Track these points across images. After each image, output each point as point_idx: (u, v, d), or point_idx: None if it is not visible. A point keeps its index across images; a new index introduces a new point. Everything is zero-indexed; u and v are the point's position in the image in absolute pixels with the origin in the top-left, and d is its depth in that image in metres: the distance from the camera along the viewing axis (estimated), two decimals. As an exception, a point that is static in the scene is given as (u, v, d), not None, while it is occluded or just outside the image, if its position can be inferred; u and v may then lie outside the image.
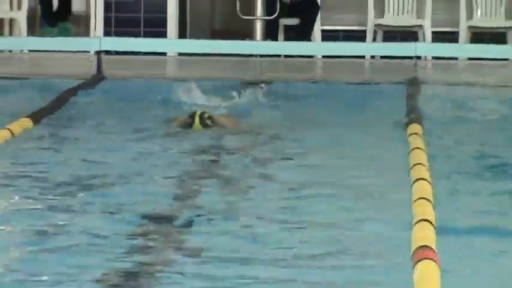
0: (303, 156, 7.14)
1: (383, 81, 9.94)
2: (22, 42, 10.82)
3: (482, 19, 11.24)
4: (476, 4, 11.19)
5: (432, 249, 4.13)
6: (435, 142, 7.37)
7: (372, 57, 10.64)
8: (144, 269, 4.19)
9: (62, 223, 5.11)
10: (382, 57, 10.47)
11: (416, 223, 4.58)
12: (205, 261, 4.30)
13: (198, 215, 5.48)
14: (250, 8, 10.78)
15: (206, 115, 7.87)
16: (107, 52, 10.20)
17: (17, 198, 5.79)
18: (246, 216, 5.39)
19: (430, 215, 4.85)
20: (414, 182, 5.68)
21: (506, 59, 10.60)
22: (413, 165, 6.08)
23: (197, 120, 7.91)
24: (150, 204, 5.67)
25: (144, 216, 5.18)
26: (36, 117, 7.81)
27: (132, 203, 5.59)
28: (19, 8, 10.78)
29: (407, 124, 7.59)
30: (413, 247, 4.11)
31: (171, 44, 11.24)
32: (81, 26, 11.37)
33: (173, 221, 5.25)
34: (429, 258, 3.86)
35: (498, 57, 10.58)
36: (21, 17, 10.90)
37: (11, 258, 4.40)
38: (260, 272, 3.94)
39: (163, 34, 11.01)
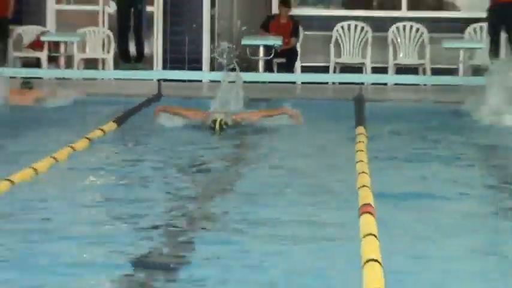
0: (277, 156, 9.07)
1: (340, 98, 13.14)
2: (110, 74, 14.55)
3: (403, 59, 14.98)
4: (399, 49, 14.91)
5: (371, 205, 5.77)
6: (374, 137, 9.52)
7: (333, 83, 14.38)
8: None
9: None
10: (340, 83, 14.19)
11: (359, 188, 6.43)
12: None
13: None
14: (256, 52, 14.28)
15: (223, 121, 9.69)
16: (164, 80, 13.51)
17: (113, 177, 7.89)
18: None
19: (368, 183, 6.62)
20: (357, 162, 7.76)
21: (418, 84, 14.12)
22: (357, 151, 8.27)
23: (217, 126, 9.65)
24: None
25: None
26: (119, 121, 10.34)
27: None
28: (108, 51, 14.79)
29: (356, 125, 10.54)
30: (360, 204, 5.84)
31: (205, 75, 14.41)
32: (148, 63, 14.94)
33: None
34: (369, 212, 5.51)
35: (414, 82, 14.11)
36: (109, 58, 14.82)
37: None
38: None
39: (199, 68, 14.91)
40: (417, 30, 15.54)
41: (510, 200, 7.22)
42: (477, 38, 15.51)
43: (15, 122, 11.15)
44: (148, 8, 15.07)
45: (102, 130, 9.57)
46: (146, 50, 15.32)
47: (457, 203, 7.20)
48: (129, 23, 15.02)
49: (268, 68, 14.68)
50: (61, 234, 5.78)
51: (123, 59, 15.07)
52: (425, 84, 14.75)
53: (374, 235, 5.21)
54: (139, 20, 15.10)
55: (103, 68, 15.27)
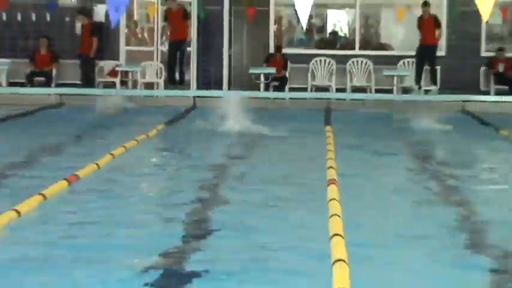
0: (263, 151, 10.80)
1: (315, 108, 16.18)
2: (162, 92, 17.50)
3: (356, 82, 18.26)
4: (354, 76, 18.27)
5: (335, 179, 7.43)
6: (337, 132, 12.08)
7: (310, 98, 17.44)
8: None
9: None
10: (315, 98, 17.34)
11: (328, 168, 8.16)
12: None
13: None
14: (258, 78, 17.66)
15: None
16: (197, 96, 16.84)
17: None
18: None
19: (334, 167, 8.28)
20: (328, 151, 9.76)
21: (364, 99, 17.27)
22: (327, 142, 10.56)
23: None
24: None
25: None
26: (168, 124, 13.02)
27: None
28: (160, 77, 17.86)
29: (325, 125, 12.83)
30: (327, 179, 7.45)
31: (224, 93, 16.65)
32: (187, 85, 17.60)
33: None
34: (334, 183, 7.20)
35: (363, 98, 17.43)
36: (161, 82, 17.84)
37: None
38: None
39: (220, 88, 17.75)
40: (366, 63, 18.76)
41: (425, 177, 9.17)
42: (406, 69, 18.61)
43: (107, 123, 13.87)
44: (188, 49, 17.91)
45: (156, 129, 12.30)
46: (186, 77, 18.33)
47: (389, 176, 9.27)
48: (175, 59, 17.78)
49: (267, 88, 18.38)
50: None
51: (170, 83, 18.05)
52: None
53: (336, 199, 6.70)
54: (182, 57, 17.86)
55: (157, 89, 18.36)
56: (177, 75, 17.75)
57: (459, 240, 6.25)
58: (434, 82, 17.84)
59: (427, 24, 17.82)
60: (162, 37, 19.79)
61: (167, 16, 17.92)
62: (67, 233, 6.19)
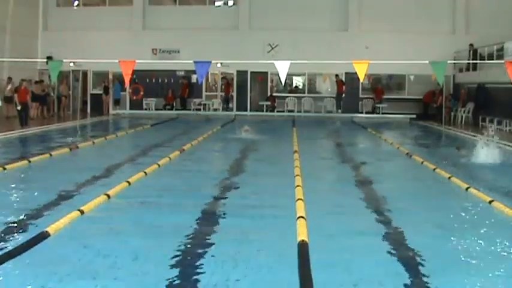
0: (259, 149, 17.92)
1: (288, 119, 30.35)
2: (220, 113, 33.25)
3: (306, 108, 33.25)
4: (304, 105, 33.36)
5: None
6: (298, 129, 23.90)
7: (286, 115, 33.62)
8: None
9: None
10: (288, 115, 32.64)
11: (294, 152, 15.83)
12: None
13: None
14: (262, 106, 34.21)
15: None
16: (235, 114, 32.90)
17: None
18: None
19: (297, 143, 18.03)
20: (293, 135, 21.30)
21: (309, 115, 32.92)
22: (293, 133, 23.02)
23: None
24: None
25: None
26: (222, 127, 25.61)
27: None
28: (219, 105, 34.30)
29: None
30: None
31: (248, 113, 33.33)
32: (230, 109, 33.83)
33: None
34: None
35: (309, 115, 32.71)
36: (220, 108, 34.07)
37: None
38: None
39: (246, 110, 34.43)
40: (310, 99, 34.00)
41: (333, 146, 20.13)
42: (328, 101, 33.61)
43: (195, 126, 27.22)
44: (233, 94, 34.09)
45: (213, 131, 22.49)
46: (231, 106, 34.05)
47: (319, 147, 19.21)
48: (227, 100, 34.04)
49: (266, 110, 33.86)
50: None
51: (224, 109, 33.99)
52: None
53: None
54: (228, 98, 34.19)
55: (219, 111, 33.74)
56: (226, 105, 35.03)
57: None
58: (339, 107, 33.99)
59: (339, 83, 33.66)
60: (220, 90, 35.78)
61: (223, 82, 34.94)
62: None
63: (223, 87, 35.53)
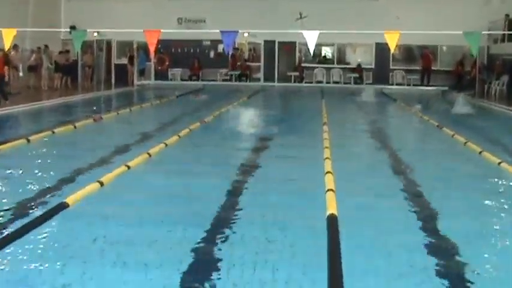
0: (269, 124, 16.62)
1: (317, 90, 31.57)
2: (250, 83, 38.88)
3: (334, 79, 33.50)
4: (333, 76, 35.58)
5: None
6: (326, 100, 24.32)
7: (314, 86, 36.04)
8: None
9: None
10: (316, 86, 35.28)
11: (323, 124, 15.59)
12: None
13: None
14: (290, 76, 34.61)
15: None
16: (263, 84, 33.29)
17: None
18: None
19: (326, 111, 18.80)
20: (323, 106, 21.81)
21: (338, 86, 33.37)
22: (322, 104, 24.04)
23: None
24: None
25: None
26: (248, 97, 26.82)
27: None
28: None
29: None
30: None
31: (275, 84, 33.50)
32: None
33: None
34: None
35: (338, 86, 33.23)
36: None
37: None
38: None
39: (273, 80, 34.64)
40: (339, 70, 34.09)
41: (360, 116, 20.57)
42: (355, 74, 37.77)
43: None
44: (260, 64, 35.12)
45: (244, 99, 24.53)
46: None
47: (346, 113, 20.95)
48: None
49: (294, 81, 34.09)
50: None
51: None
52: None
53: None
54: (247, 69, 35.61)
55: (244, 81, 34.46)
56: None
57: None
58: (427, 82, 33.46)
59: (426, 55, 33.61)
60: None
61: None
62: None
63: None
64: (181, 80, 35.13)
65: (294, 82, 34.93)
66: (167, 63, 35.12)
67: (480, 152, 11.72)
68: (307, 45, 14.28)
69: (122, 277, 5.14)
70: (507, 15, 30.10)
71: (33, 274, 5.17)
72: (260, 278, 5.13)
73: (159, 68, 35.35)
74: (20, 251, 5.70)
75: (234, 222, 6.77)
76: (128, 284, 5.04)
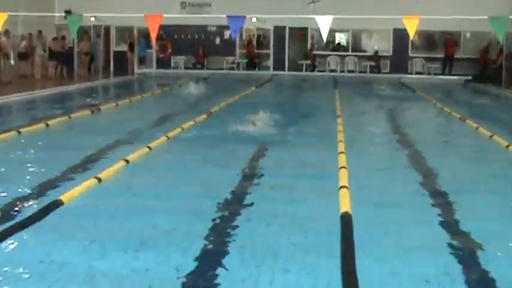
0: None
1: (330, 80, 31.12)
2: (255, 72, 39.06)
3: (349, 67, 33.36)
4: (347, 64, 34.53)
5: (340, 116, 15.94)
6: (340, 91, 24.88)
7: (327, 75, 37.34)
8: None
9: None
10: (329, 75, 36.05)
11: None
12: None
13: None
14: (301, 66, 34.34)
15: None
16: (273, 74, 33.00)
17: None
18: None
19: (340, 108, 17.89)
20: (336, 96, 22.92)
21: (353, 76, 32.96)
22: (336, 95, 23.86)
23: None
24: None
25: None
26: (257, 87, 26.44)
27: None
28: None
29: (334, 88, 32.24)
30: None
31: (286, 73, 33.27)
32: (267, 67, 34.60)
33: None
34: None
35: (353, 75, 33.00)
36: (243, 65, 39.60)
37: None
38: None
39: (283, 69, 34.28)
40: (354, 58, 33.83)
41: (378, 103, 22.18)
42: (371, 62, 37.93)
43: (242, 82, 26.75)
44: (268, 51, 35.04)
45: (252, 89, 24.59)
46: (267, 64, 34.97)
47: (365, 104, 21.84)
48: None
49: (306, 70, 34.05)
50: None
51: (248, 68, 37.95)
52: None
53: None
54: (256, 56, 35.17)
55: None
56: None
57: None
58: (448, 71, 33.30)
59: (450, 42, 33.41)
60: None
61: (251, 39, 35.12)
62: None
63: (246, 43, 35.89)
64: (185, 68, 35.09)
65: (306, 71, 34.85)
66: (169, 50, 35.08)
67: (507, 146, 11.68)
68: (319, 31, 14.07)
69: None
70: (536, -1, 29.40)
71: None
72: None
73: (161, 55, 35.29)
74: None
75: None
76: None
